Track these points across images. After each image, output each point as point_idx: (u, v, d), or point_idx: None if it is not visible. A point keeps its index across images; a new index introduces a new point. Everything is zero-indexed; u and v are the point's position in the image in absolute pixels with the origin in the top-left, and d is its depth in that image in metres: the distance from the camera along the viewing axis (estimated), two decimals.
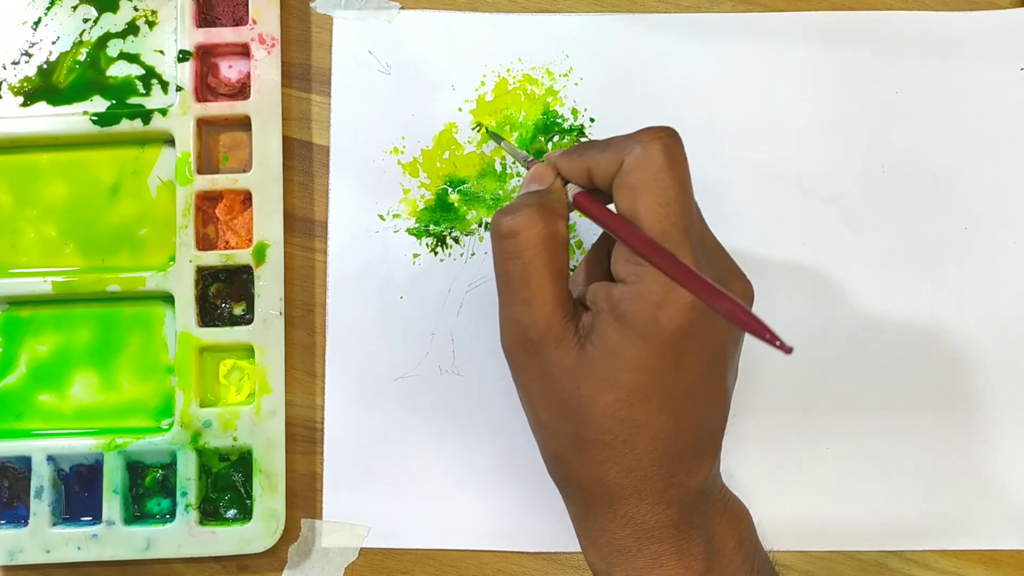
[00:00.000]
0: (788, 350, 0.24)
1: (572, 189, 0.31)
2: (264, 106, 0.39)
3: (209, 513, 0.39)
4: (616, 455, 0.29)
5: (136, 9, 0.41)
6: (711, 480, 0.31)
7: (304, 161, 0.41)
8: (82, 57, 0.41)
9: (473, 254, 0.40)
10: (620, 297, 0.28)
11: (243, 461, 0.39)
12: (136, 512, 0.39)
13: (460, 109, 0.41)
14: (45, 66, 0.41)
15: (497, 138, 0.39)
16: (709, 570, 0.30)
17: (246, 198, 0.40)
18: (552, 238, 0.29)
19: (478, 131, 0.40)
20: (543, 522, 0.39)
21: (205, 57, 0.41)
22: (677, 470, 0.29)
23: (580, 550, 0.39)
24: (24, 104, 0.40)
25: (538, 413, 0.30)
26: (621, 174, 0.29)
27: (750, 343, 0.30)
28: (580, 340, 0.29)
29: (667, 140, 0.29)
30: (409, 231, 0.40)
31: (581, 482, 0.30)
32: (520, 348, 0.30)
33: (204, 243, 0.40)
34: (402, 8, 0.41)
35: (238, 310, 0.40)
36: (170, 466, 0.39)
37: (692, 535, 0.30)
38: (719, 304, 0.26)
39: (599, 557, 0.31)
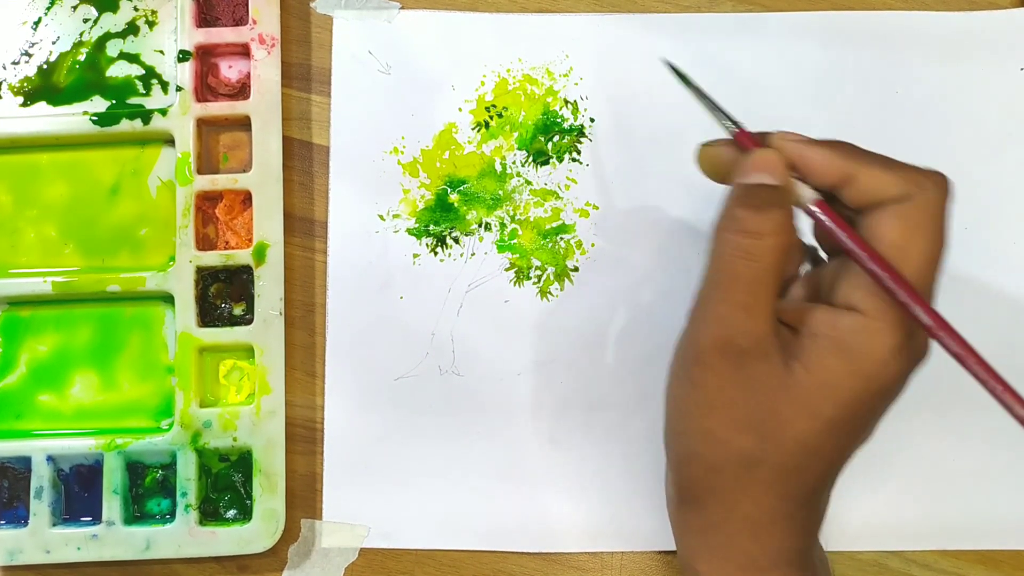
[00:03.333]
0: None
1: (805, 191, 0.28)
2: (264, 106, 0.39)
3: (209, 513, 0.39)
4: (787, 481, 0.28)
5: (136, 9, 0.41)
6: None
7: (304, 161, 0.41)
8: (82, 57, 0.41)
9: (473, 254, 0.40)
10: (852, 328, 0.27)
11: (243, 461, 0.39)
12: (136, 512, 0.39)
13: (460, 109, 0.41)
14: (45, 66, 0.41)
15: (691, 85, 0.33)
16: None
17: (246, 198, 0.40)
18: (791, 247, 0.28)
19: (672, 72, 0.33)
20: (543, 522, 0.39)
21: (205, 57, 0.41)
22: (823, 502, 0.29)
23: (580, 550, 0.39)
24: (24, 104, 0.40)
25: (713, 421, 0.28)
26: (907, 204, 0.27)
27: None
28: (785, 360, 0.27)
29: (949, 189, 0.28)
30: (409, 231, 0.40)
31: (734, 497, 0.28)
32: (721, 352, 0.28)
33: (204, 243, 0.40)
34: (402, 8, 0.41)
35: (238, 310, 0.40)
36: (170, 466, 0.39)
37: (815, 567, 0.29)
38: (981, 370, 0.27)
39: (717, 568, 0.29)
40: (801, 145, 0.28)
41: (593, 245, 0.40)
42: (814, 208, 0.28)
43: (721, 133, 0.31)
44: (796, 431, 0.27)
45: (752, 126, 0.41)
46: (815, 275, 0.30)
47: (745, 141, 0.30)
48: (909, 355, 0.27)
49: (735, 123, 0.30)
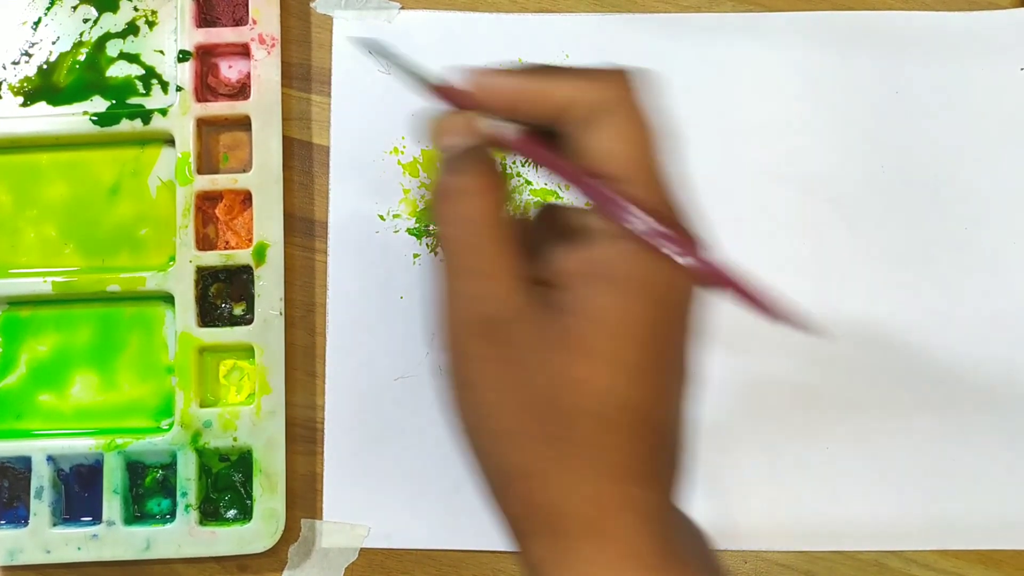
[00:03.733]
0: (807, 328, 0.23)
1: (506, 126, 0.26)
2: (264, 106, 0.39)
3: (209, 513, 0.39)
4: (602, 450, 0.24)
5: (136, 9, 0.41)
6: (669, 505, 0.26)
7: (304, 161, 0.41)
8: (82, 57, 0.41)
9: None
10: (605, 257, 0.24)
11: (243, 461, 0.39)
12: (136, 512, 0.39)
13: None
14: (45, 66, 0.41)
15: (386, 55, 0.30)
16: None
17: (246, 198, 0.40)
18: (506, 197, 0.25)
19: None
20: None
21: (205, 57, 0.41)
22: (665, 471, 0.25)
23: None
24: (24, 104, 0.40)
25: (498, 417, 0.24)
26: (599, 113, 0.24)
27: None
28: (554, 316, 0.24)
29: (634, 80, 0.25)
30: (409, 231, 0.40)
31: (557, 501, 0.24)
32: (473, 331, 0.24)
33: (204, 243, 0.40)
34: (402, 8, 0.41)
35: (238, 310, 0.40)
36: (170, 466, 0.39)
37: (682, 559, 0.25)
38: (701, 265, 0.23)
39: (530, 565, 0.24)
40: (481, 79, 0.26)
41: None
42: (520, 144, 0.26)
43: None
44: (584, 379, 0.23)
45: (752, 126, 0.41)
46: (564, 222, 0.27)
47: (449, 95, 0.27)
48: (671, 263, 0.24)
49: (435, 84, 0.28)
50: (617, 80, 0.25)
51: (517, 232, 0.25)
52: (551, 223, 0.27)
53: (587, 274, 0.24)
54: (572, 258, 0.25)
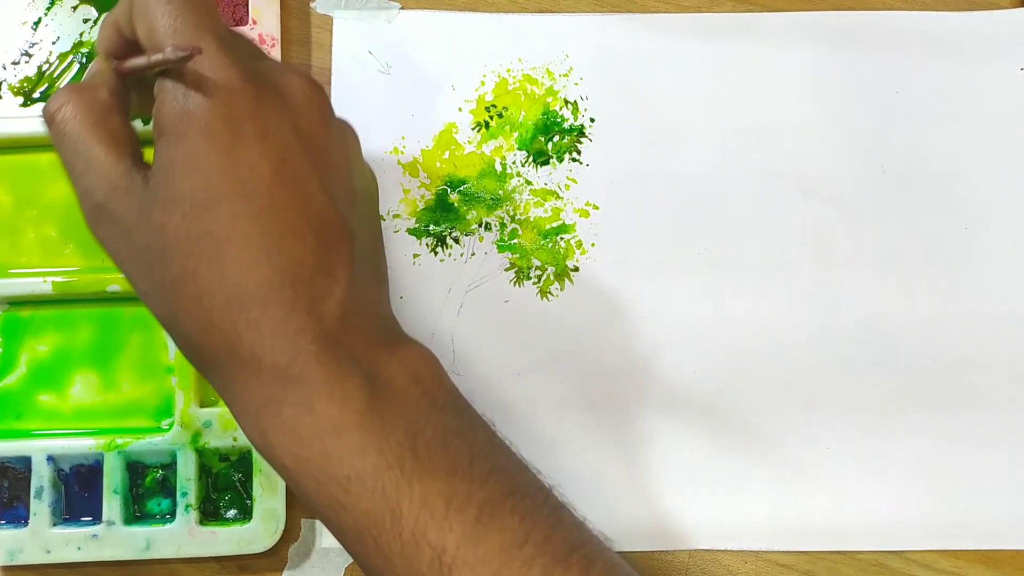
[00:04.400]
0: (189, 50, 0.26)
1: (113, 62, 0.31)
2: None
3: (209, 513, 0.39)
4: (210, 286, 0.26)
5: None
6: (357, 308, 0.28)
7: None
8: (82, 57, 0.41)
9: (473, 254, 0.40)
10: (154, 114, 0.27)
11: (243, 461, 0.39)
12: (136, 512, 0.39)
13: (460, 109, 0.41)
14: (45, 66, 0.41)
15: None
16: (372, 407, 0.26)
17: None
18: (93, 104, 0.29)
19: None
20: None
21: None
22: (296, 292, 0.26)
23: None
24: (24, 104, 0.40)
25: (138, 284, 0.28)
26: (133, 9, 0.28)
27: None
28: (144, 180, 0.28)
29: None
30: (409, 231, 0.40)
31: (200, 339, 0.27)
32: (94, 219, 0.29)
33: None
34: (402, 8, 0.41)
35: None
36: (170, 466, 0.39)
37: (344, 369, 0.26)
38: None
39: (253, 425, 0.27)
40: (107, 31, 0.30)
41: (593, 245, 0.40)
42: (118, 66, 0.30)
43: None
44: (173, 227, 0.26)
45: (752, 125, 0.41)
46: None
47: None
48: (203, 90, 0.27)
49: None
50: None
51: (115, 123, 0.29)
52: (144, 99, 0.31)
53: (154, 132, 0.27)
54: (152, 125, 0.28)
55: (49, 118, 0.29)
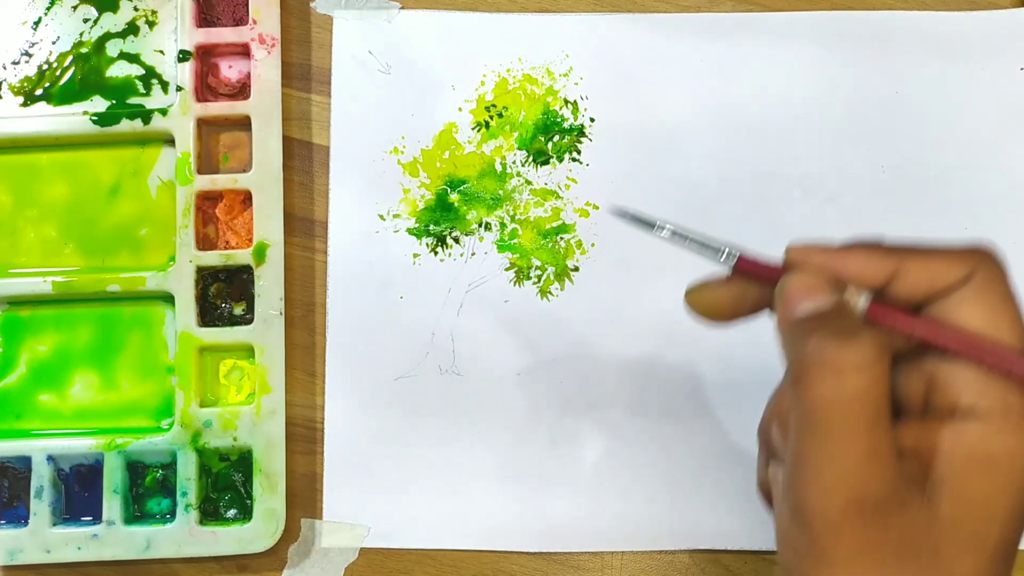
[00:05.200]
0: None
1: (857, 295, 0.25)
2: (264, 106, 0.39)
3: (209, 513, 0.39)
4: None
5: (136, 9, 0.41)
6: None
7: (304, 161, 0.41)
8: (82, 57, 0.41)
9: (473, 254, 0.40)
10: (984, 436, 0.23)
11: (243, 461, 0.39)
12: (136, 512, 0.39)
13: (460, 109, 0.41)
14: (45, 66, 0.41)
15: (665, 228, 0.29)
16: None
17: (246, 198, 0.40)
18: (888, 369, 0.24)
19: (623, 219, 0.29)
20: (543, 522, 0.39)
21: (205, 57, 0.41)
22: None
23: (580, 550, 0.39)
24: (24, 104, 0.40)
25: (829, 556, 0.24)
26: (974, 284, 0.24)
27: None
28: (925, 496, 0.24)
29: (1002, 257, 0.25)
30: (409, 231, 0.40)
31: None
32: (855, 513, 0.23)
33: (204, 243, 0.40)
34: (402, 8, 0.41)
35: (238, 310, 0.40)
36: (170, 466, 0.39)
37: None
38: None
39: None
40: (826, 254, 0.26)
41: (593, 245, 0.40)
42: (876, 310, 0.25)
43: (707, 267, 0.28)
44: (965, 568, 0.24)
45: (752, 125, 0.41)
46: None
47: (755, 269, 0.26)
48: None
49: (729, 252, 0.27)
50: (984, 256, 0.25)
51: (889, 406, 0.24)
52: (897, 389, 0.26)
53: (968, 456, 0.24)
54: (945, 438, 0.24)
55: (853, 367, 0.23)
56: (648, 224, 0.28)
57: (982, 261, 0.25)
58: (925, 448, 0.24)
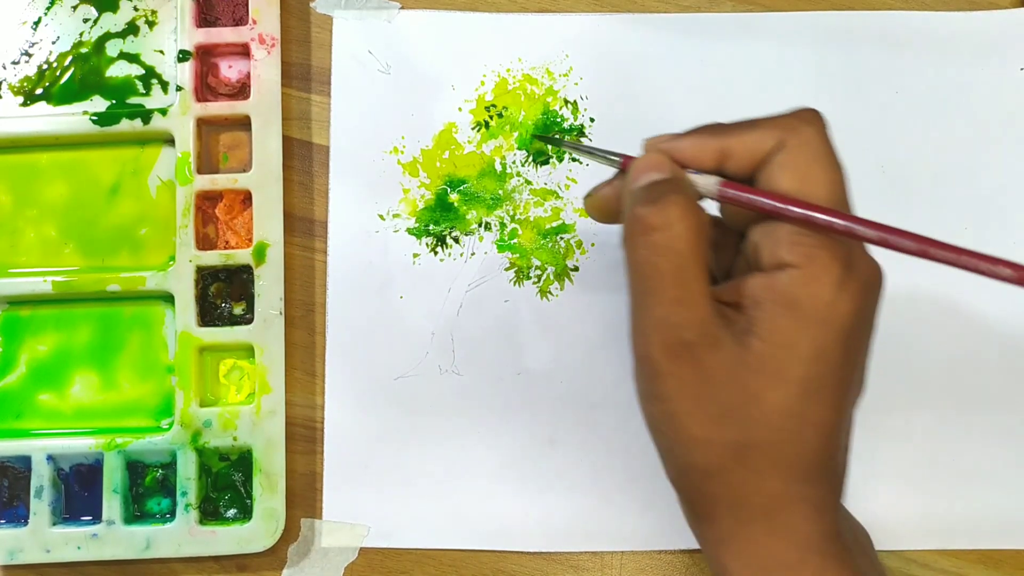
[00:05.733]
0: None
1: (704, 179, 0.28)
2: (264, 106, 0.39)
3: (209, 513, 0.39)
4: (783, 457, 0.27)
5: (136, 9, 0.41)
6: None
7: (304, 161, 0.41)
8: (82, 57, 0.41)
9: (473, 254, 0.40)
10: (790, 282, 0.26)
11: (243, 461, 0.39)
12: (136, 512, 0.39)
13: (460, 109, 0.41)
14: (45, 66, 0.41)
15: (555, 141, 0.38)
16: None
17: (246, 198, 0.40)
18: (703, 228, 0.27)
19: (529, 147, 0.37)
20: (543, 522, 0.39)
21: (205, 57, 0.41)
22: (835, 472, 0.28)
23: (580, 550, 0.39)
24: (24, 104, 0.40)
25: (688, 426, 0.27)
26: (786, 151, 0.27)
27: None
28: (737, 337, 0.27)
29: (823, 120, 0.28)
30: (409, 231, 0.40)
31: (738, 495, 0.27)
32: (671, 353, 0.27)
33: (204, 243, 0.40)
34: (402, 8, 0.41)
35: (238, 310, 0.40)
36: (170, 466, 0.39)
37: (847, 547, 0.28)
38: (999, 268, 0.26)
39: (752, 573, 0.28)
40: (670, 141, 0.29)
41: (593, 245, 0.40)
42: (724, 189, 0.28)
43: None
44: (773, 401, 0.26)
45: None
46: (740, 257, 0.30)
47: (628, 163, 0.30)
48: (858, 286, 0.26)
49: (616, 155, 0.31)
50: (797, 121, 0.27)
51: (707, 258, 0.27)
52: (725, 243, 0.30)
53: (777, 301, 0.26)
54: (760, 284, 0.27)
55: (660, 225, 0.27)
56: (555, 143, 0.37)
57: (795, 127, 0.27)
58: (744, 295, 0.27)
